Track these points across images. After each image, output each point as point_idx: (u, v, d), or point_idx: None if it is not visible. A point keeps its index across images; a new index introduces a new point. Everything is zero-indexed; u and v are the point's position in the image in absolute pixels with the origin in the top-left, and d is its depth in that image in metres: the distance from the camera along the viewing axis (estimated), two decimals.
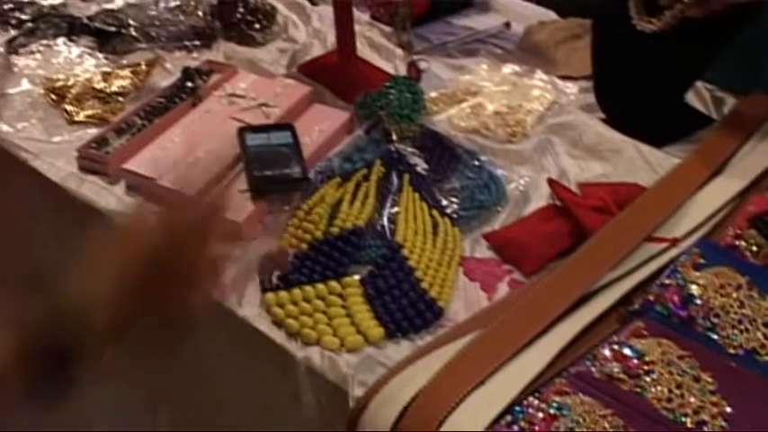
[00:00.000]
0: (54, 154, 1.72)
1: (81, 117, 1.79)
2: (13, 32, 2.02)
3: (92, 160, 1.67)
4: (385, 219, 1.53)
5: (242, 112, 1.74)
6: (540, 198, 1.58)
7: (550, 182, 1.56)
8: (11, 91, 1.87)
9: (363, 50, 1.92)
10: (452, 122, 1.74)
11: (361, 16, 1.88)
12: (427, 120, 1.73)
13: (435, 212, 1.54)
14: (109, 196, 1.63)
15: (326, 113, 1.75)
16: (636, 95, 1.68)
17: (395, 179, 1.59)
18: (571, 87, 1.83)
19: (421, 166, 1.62)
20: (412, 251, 1.47)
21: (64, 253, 1.76)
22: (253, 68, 1.89)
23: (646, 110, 1.70)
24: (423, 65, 1.72)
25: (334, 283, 1.43)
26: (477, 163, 1.63)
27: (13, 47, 1.97)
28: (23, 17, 2.05)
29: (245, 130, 1.67)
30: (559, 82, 1.84)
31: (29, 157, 1.72)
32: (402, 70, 1.79)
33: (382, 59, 1.91)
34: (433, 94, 1.79)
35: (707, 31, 1.55)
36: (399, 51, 1.85)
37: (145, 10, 2.02)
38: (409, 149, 1.64)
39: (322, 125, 1.72)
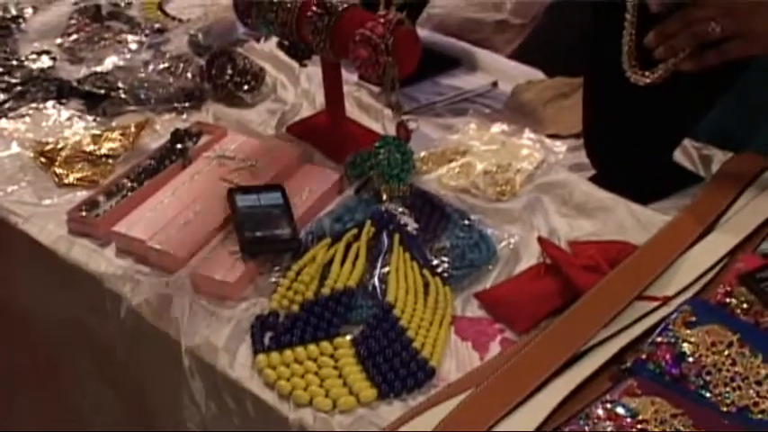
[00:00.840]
0: (44, 217, 1.72)
1: (71, 180, 1.79)
2: (2, 96, 2.02)
3: (82, 223, 1.68)
4: (376, 279, 1.53)
5: (232, 173, 1.74)
6: (531, 256, 1.58)
7: (541, 240, 1.56)
8: (0, 154, 1.87)
9: (352, 111, 1.93)
10: (442, 182, 1.75)
11: (349, 77, 1.89)
12: (417, 179, 1.73)
13: (426, 272, 1.54)
14: (99, 259, 1.63)
15: (316, 174, 1.75)
16: (627, 149, 1.69)
17: (385, 239, 1.59)
18: (559, 146, 1.83)
19: (411, 225, 1.62)
20: (403, 311, 1.47)
21: (51, 313, 1.77)
22: (242, 129, 1.90)
23: (636, 164, 1.70)
24: (412, 125, 1.72)
25: (325, 344, 1.43)
26: (467, 222, 1.63)
27: (2, 110, 1.98)
28: (12, 80, 2.05)
29: (235, 191, 1.67)
30: (548, 141, 1.84)
31: (18, 220, 1.73)
32: (391, 130, 1.79)
33: (371, 119, 1.91)
34: (423, 154, 1.80)
35: (700, 84, 1.56)
36: (388, 111, 1.85)
37: (134, 72, 2.03)
38: (399, 209, 1.65)
39: (312, 185, 1.72)
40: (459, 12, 2.63)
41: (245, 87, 1.99)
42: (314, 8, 1.73)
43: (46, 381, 1.86)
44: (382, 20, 1.65)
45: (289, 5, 1.77)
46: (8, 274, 1.82)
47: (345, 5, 1.72)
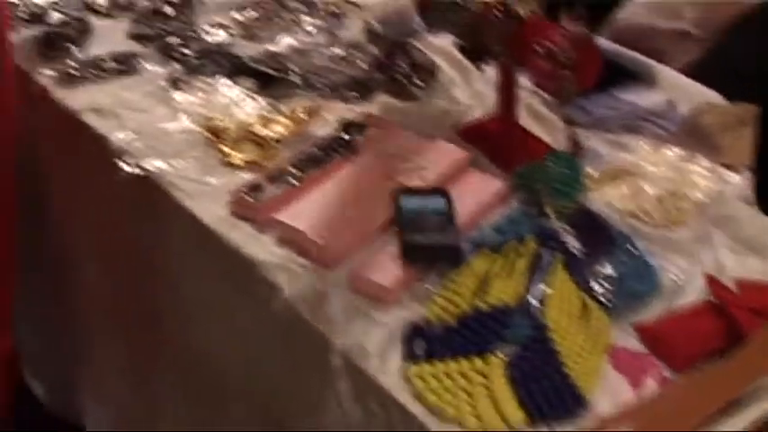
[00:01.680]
0: (207, 196, 1.73)
1: (236, 160, 1.80)
2: (177, 67, 2.03)
3: (244, 206, 1.68)
4: (535, 298, 1.50)
5: (397, 171, 1.72)
6: (695, 291, 1.54)
7: (708, 279, 1.52)
8: (169, 127, 1.88)
9: (524, 118, 1.89)
10: (609, 203, 1.70)
11: (524, 82, 1.84)
12: (584, 197, 1.70)
13: (586, 296, 1.51)
14: (257, 245, 1.63)
15: (482, 181, 1.73)
16: None
17: (547, 257, 1.56)
18: (735, 177, 1.77)
19: (574, 246, 1.59)
20: (560, 335, 1.45)
21: (201, 292, 1.78)
22: (411, 126, 1.88)
23: None
24: (583, 142, 1.68)
25: (478, 361, 1.41)
26: (632, 249, 1.59)
27: (175, 82, 1.99)
28: (188, 52, 2.06)
29: (399, 191, 1.66)
30: (723, 170, 1.78)
31: (182, 196, 1.74)
32: (561, 142, 1.76)
33: (543, 129, 1.87)
34: (592, 172, 1.75)
35: None
36: (560, 123, 1.82)
37: (308, 56, 2.02)
38: (564, 227, 1.61)
39: (477, 192, 1.70)
40: (637, 18, 2.56)
41: (418, 82, 1.97)
42: (496, 12, 1.70)
43: (189, 360, 1.87)
44: (565, 32, 1.62)
45: (471, 7, 1.74)
46: (163, 247, 1.84)
47: (529, 13, 1.69)
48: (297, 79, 1.97)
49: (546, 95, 1.87)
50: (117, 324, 2.08)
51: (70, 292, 2.20)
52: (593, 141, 1.82)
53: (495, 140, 1.82)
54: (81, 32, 2.14)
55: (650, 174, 1.75)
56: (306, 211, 1.65)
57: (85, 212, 2.05)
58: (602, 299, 1.52)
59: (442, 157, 1.77)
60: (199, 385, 1.86)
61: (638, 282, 1.54)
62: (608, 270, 1.56)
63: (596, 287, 1.53)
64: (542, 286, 1.52)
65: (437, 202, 1.64)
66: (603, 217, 1.65)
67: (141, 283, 1.94)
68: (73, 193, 2.07)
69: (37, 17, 2.19)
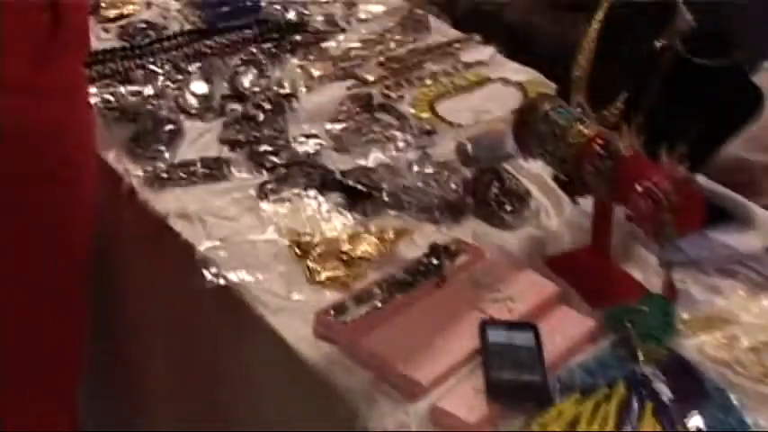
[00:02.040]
0: (291, 313, 1.71)
1: (322, 277, 1.77)
2: (266, 176, 2.02)
3: (328, 327, 1.65)
4: None
5: (485, 302, 1.69)
6: None
7: None
8: (256, 238, 1.87)
9: (616, 254, 1.85)
10: (703, 350, 1.65)
11: (619, 215, 1.80)
12: (676, 343, 1.65)
13: None
14: (339, 368, 1.60)
15: (572, 318, 1.69)
16: None
17: (636, 405, 1.51)
18: None
19: (666, 394, 1.54)
20: None
21: (280, 412, 1.74)
22: (501, 253, 1.84)
23: None
24: (679, 286, 1.64)
25: None
26: (726, 403, 1.53)
27: (264, 191, 1.97)
28: (278, 161, 2.05)
29: (487, 324, 1.62)
30: None
31: (266, 312, 1.71)
32: (652, 283, 1.72)
33: (636, 266, 1.83)
34: (685, 316, 1.70)
35: None
36: (654, 260, 1.78)
37: (398, 174, 2.00)
38: (656, 373, 1.56)
39: (566, 330, 1.66)
40: (731, 149, 2.51)
41: (509, 209, 1.94)
42: (598, 148, 1.67)
43: None
44: (668, 173, 1.58)
45: (571, 141, 1.71)
46: (242, 360, 1.81)
47: (630, 150, 1.66)
48: (386, 197, 1.94)
49: (642, 234, 1.83)
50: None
51: (141, 397, 2.18)
52: (688, 284, 1.77)
53: (586, 275, 1.78)
54: (172, 134, 2.14)
55: (746, 323, 1.70)
56: (391, 337, 1.62)
57: (162, 319, 2.04)
58: None
59: (532, 289, 1.73)
60: None
61: None
62: (699, 423, 1.51)
63: None
64: None
65: (525, 338, 1.60)
66: (697, 366, 1.60)
67: (215, 394, 1.90)
68: (152, 298, 2.05)
69: (129, 115, 2.19)
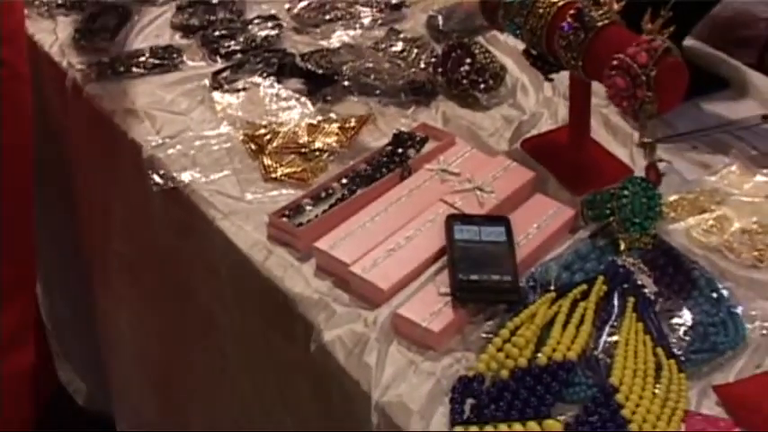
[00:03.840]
0: (244, 215, 1.58)
1: (278, 174, 1.64)
2: (220, 64, 1.88)
3: (283, 231, 1.52)
4: (600, 350, 1.33)
5: (454, 193, 1.55)
6: None
7: None
8: (209, 133, 1.73)
9: (598, 130, 1.71)
10: (690, 235, 1.52)
11: (599, 89, 1.65)
12: (662, 227, 1.51)
13: (660, 351, 1.33)
14: (296, 276, 1.47)
15: (548, 207, 1.55)
16: None
17: (616, 301, 1.39)
18: None
19: (649, 288, 1.41)
20: (628, 397, 1.27)
21: (234, 319, 1.63)
22: (472, 137, 1.71)
23: None
24: (663, 166, 1.50)
25: (533, 425, 1.24)
26: (715, 294, 1.40)
27: (218, 81, 1.83)
28: (234, 47, 1.90)
29: (454, 218, 1.48)
30: None
31: (217, 215, 1.59)
32: (639, 160, 1.58)
33: (618, 143, 1.70)
34: (672, 198, 1.57)
35: None
36: (638, 136, 1.64)
37: (362, 55, 1.85)
38: (638, 264, 1.43)
39: (541, 221, 1.52)
40: (732, 7, 2.35)
41: (482, 87, 1.79)
42: (569, 20, 1.52)
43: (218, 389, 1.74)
44: (646, 46, 1.43)
45: (541, 11, 1.56)
46: (196, 266, 1.69)
47: (606, 21, 1.50)
48: (349, 81, 1.80)
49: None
50: (145, 336, 1.95)
51: (101, 294, 2.08)
52: (675, 160, 1.63)
53: (564, 157, 1.65)
54: (120, 21, 1.99)
55: (738, 202, 1.57)
56: (349, 238, 1.48)
57: (119, 217, 1.92)
58: (679, 353, 1.33)
59: (505, 177, 1.59)
60: (224, 411, 1.73)
61: (720, 334, 1.35)
62: (686, 318, 1.38)
63: (672, 338, 1.35)
64: (610, 336, 1.35)
65: (496, 233, 1.47)
66: (684, 254, 1.47)
67: (171, 301, 1.80)
68: (104, 198, 1.93)
69: (76, 5, 2.04)
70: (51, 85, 1.94)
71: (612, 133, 1.72)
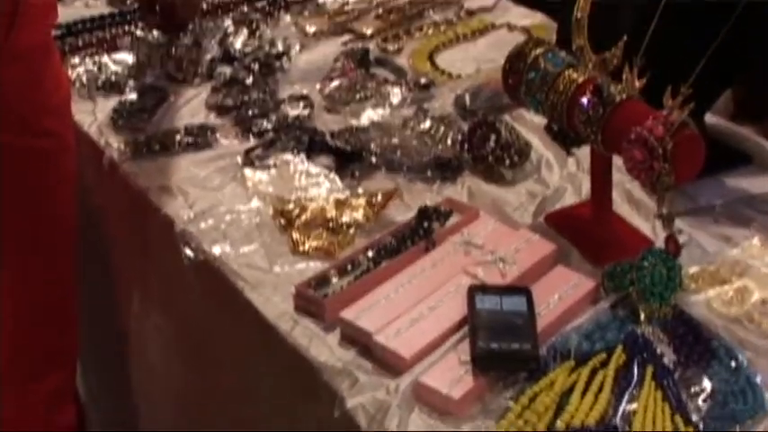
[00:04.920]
0: (272, 287, 1.61)
1: (306, 247, 1.68)
2: (252, 142, 1.93)
3: (308, 301, 1.55)
4: (619, 417, 1.34)
5: (477, 265, 1.58)
6: None
7: None
8: (240, 208, 1.78)
9: (621, 204, 1.74)
10: (711, 306, 1.53)
11: (623, 165, 1.68)
12: (682, 298, 1.53)
13: (678, 418, 1.34)
14: (321, 345, 1.50)
15: (570, 278, 1.57)
16: None
17: (636, 370, 1.40)
18: None
19: (668, 356, 1.43)
20: None
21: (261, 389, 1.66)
22: (497, 211, 1.74)
23: None
24: (683, 238, 1.52)
25: None
26: (734, 363, 1.42)
27: (250, 158, 1.88)
28: (266, 125, 1.95)
29: (476, 289, 1.51)
30: None
31: (246, 287, 1.62)
32: (661, 233, 1.60)
33: (641, 218, 1.72)
34: (693, 269, 1.59)
35: None
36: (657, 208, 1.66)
37: (390, 133, 1.89)
38: (658, 334, 1.45)
39: (563, 292, 1.54)
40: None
41: (507, 162, 1.82)
42: (589, 95, 1.56)
43: None
44: (663, 119, 1.46)
45: (561, 87, 1.60)
46: (229, 336, 1.72)
47: (624, 96, 1.54)
48: (377, 158, 1.84)
49: None
50: (180, 405, 1.98)
51: (136, 366, 2.11)
52: (696, 233, 1.66)
53: (586, 230, 1.67)
54: (157, 102, 2.05)
55: (759, 274, 1.58)
56: (374, 308, 1.52)
57: (154, 290, 1.96)
58: (698, 421, 1.34)
59: (528, 250, 1.62)
60: None
61: (739, 402, 1.37)
62: (705, 386, 1.39)
63: (691, 406, 1.36)
64: (629, 403, 1.36)
65: (517, 303, 1.49)
66: (704, 324, 1.48)
67: (204, 371, 1.83)
68: (141, 270, 1.97)
69: (115, 86, 2.10)
70: (89, 164, 1.98)
71: (635, 207, 1.74)
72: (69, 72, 2.09)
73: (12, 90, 1.72)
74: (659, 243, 1.58)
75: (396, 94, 2.04)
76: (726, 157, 1.83)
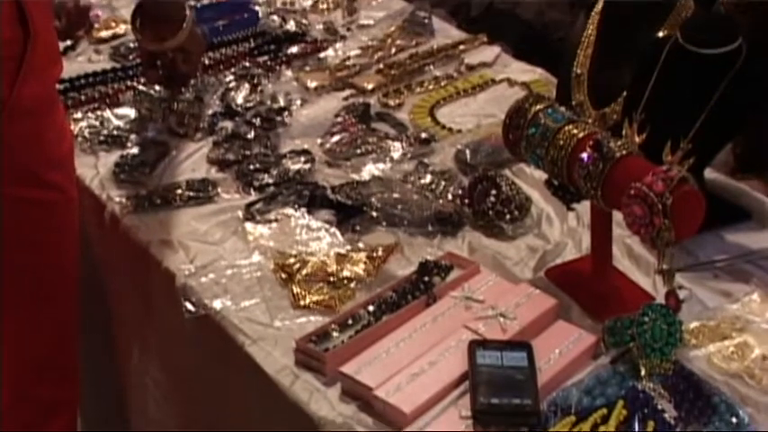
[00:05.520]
0: (272, 341, 1.62)
1: (307, 302, 1.68)
2: (254, 196, 1.93)
3: (309, 356, 1.56)
4: None
5: (477, 320, 1.59)
6: None
7: None
8: (241, 262, 1.78)
9: (621, 259, 1.75)
10: (711, 361, 1.54)
11: (621, 220, 1.68)
12: (683, 353, 1.53)
13: None
14: (322, 400, 1.51)
15: (570, 333, 1.58)
16: None
17: (637, 425, 1.40)
18: None
19: (669, 413, 1.42)
20: None
21: None
22: (497, 266, 1.74)
23: None
24: (683, 293, 1.52)
25: None
26: (735, 420, 1.42)
27: (251, 212, 1.88)
28: (268, 180, 1.96)
29: (476, 344, 1.51)
30: None
31: (246, 341, 1.63)
32: (661, 288, 1.60)
33: (641, 272, 1.72)
34: (694, 325, 1.59)
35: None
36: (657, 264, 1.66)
37: (391, 187, 1.90)
38: (659, 389, 1.45)
39: (563, 347, 1.55)
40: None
41: (508, 217, 1.83)
42: (588, 150, 1.56)
43: None
44: (663, 175, 1.47)
45: (561, 143, 1.60)
46: (230, 391, 1.72)
47: (624, 152, 1.54)
48: (378, 212, 1.85)
49: None
50: None
51: (135, 419, 2.11)
52: (696, 288, 1.66)
53: (586, 285, 1.68)
54: (159, 156, 2.06)
55: (759, 330, 1.58)
56: (374, 363, 1.52)
57: (154, 344, 1.96)
58: None
59: (528, 304, 1.62)
60: None
61: None
62: None
63: None
64: None
65: (518, 358, 1.49)
66: (704, 380, 1.48)
67: (204, 424, 1.83)
68: (141, 323, 1.97)
69: (117, 141, 2.11)
70: (91, 217, 1.99)
71: (636, 262, 1.75)
72: (72, 126, 2.10)
73: (17, 143, 1.72)
74: (660, 298, 1.58)
75: (397, 149, 2.05)
76: (725, 212, 1.84)
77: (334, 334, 1.59)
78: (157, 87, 2.23)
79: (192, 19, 2.16)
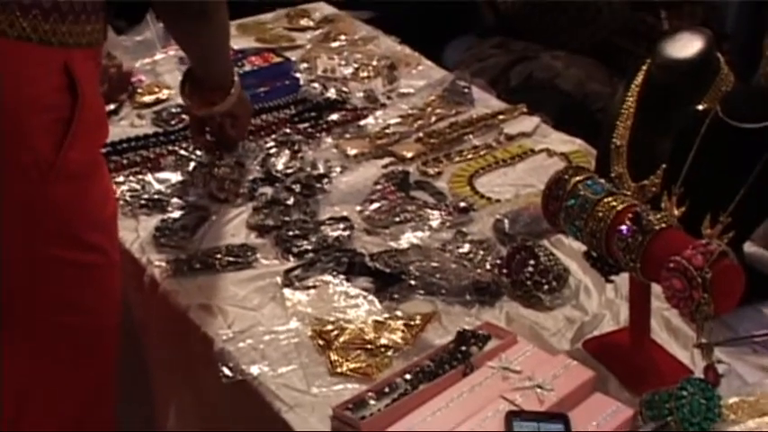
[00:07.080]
0: (309, 408, 1.63)
1: (344, 369, 1.69)
2: (292, 262, 1.94)
3: (346, 423, 1.55)
4: None
5: (514, 390, 1.58)
6: None
7: None
8: (279, 328, 1.79)
9: (660, 332, 1.74)
10: None
11: (661, 292, 1.68)
12: (721, 428, 1.52)
13: None
14: None
15: (607, 406, 1.57)
16: None
17: None
18: None
19: None
20: None
21: None
22: (534, 337, 1.74)
23: None
24: (722, 368, 1.52)
25: None
26: None
27: (289, 278, 1.89)
28: (307, 247, 1.97)
29: (514, 415, 1.51)
30: None
31: (283, 407, 1.63)
32: (699, 362, 1.59)
33: (679, 345, 1.72)
34: (733, 400, 1.58)
35: None
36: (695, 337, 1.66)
37: (430, 255, 1.91)
38: None
39: (601, 419, 1.54)
40: None
41: (546, 288, 1.83)
42: (628, 223, 1.57)
43: None
44: (702, 249, 1.47)
45: (600, 215, 1.61)
46: None
47: (663, 225, 1.55)
48: (416, 281, 1.85)
49: None
50: None
51: None
52: (736, 363, 1.66)
53: (624, 358, 1.68)
54: (199, 221, 2.08)
55: None
56: None
57: (191, 409, 1.96)
58: None
59: (566, 376, 1.61)
60: None
61: None
62: None
63: None
64: None
65: (555, 429, 1.49)
66: None
67: None
68: (179, 388, 1.98)
69: (158, 205, 2.13)
70: (130, 281, 2.00)
71: (674, 336, 1.74)
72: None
73: (62, 206, 1.74)
74: (698, 372, 1.58)
75: (435, 218, 2.06)
76: (765, 286, 1.83)
77: (371, 402, 1.59)
78: (198, 152, 2.26)
79: (240, 84, 2.19)
